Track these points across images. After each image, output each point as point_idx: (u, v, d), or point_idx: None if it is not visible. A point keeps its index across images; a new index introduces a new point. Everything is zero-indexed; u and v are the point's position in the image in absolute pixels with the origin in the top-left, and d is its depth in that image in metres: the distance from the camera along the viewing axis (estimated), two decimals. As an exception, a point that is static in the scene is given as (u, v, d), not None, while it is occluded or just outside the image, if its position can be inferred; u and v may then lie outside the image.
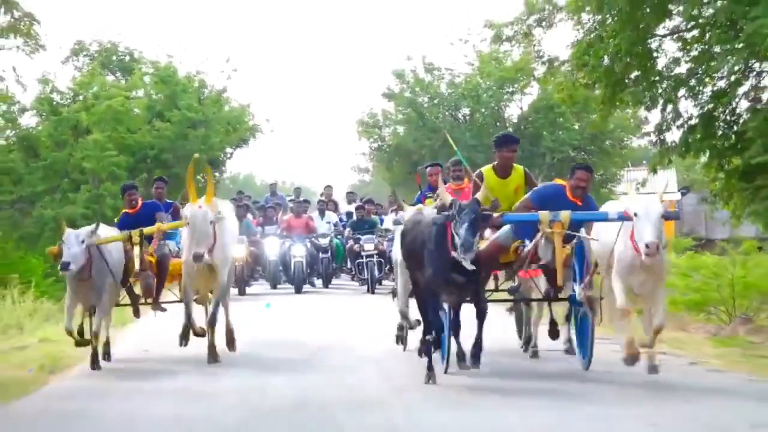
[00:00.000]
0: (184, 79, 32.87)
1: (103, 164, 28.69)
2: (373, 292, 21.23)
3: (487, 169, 11.46)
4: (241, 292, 20.39)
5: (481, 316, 10.25)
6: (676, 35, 15.83)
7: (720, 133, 15.57)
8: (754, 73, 15.26)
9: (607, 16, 15.60)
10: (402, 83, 38.26)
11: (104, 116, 29.53)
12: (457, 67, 37.70)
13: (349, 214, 24.17)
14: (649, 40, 15.74)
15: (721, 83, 15.44)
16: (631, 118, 30.98)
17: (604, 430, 8.13)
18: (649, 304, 10.06)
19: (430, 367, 10.17)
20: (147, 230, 12.70)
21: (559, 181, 11.60)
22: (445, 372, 10.54)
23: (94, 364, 11.95)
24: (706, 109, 15.50)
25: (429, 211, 10.53)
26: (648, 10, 15.35)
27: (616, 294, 10.02)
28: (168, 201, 14.15)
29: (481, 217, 9.74)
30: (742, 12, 13.94)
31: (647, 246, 9.27)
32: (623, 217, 9.94)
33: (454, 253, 9.61)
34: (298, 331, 14.89)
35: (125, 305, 13.36)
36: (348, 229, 22.84)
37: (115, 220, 13.98)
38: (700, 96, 15.66)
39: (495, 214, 10.33)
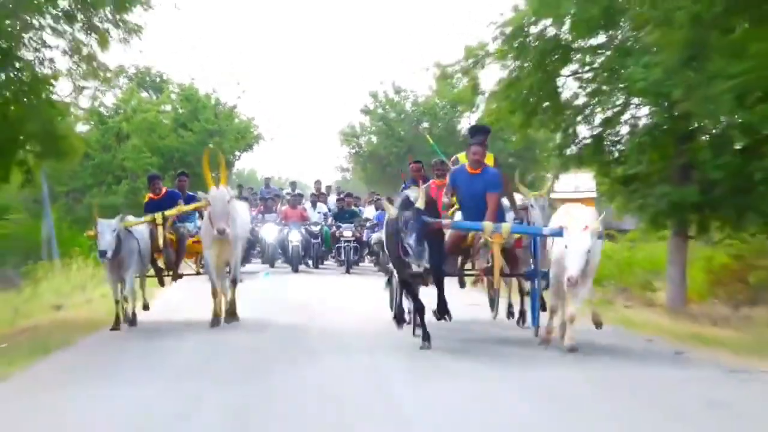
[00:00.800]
0: (203, 98, 33.25)
1: (139, 164, 29.32)
2: (348, 272, 20.77)
3: (462, 155, 11.05)
4: None
5: (439, 285, 9.77)
6: (576, 76, 15.98)
7: (607, 150, 15.69)
8: (633, 106, 15.43)
9: (524, 61, 15.73)
10: (376, 101, 38.77)
11: (140, 126, 30.10)
12: (420, 89, 38.51)
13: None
14: (555, 80, 15.84)
15: (609, 113, 15.53)
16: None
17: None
18: (573, 296, 9.64)
19: (425, 338, 9.70)
20: (168, 213, 12.33)
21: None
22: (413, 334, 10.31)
23: (116, 325, 11.64)
24: (597, 132, 15.61)
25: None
26: (555, 57, 15.54)
27: (551, 294, 9.95)
28: (190, 193, 13.53)
29: (426, 224, 9.06)
30: (621, 62, 14.33)
31: (568, 279, 9.01)
32: (555, 233, 9.58)
33: (404, 257, 9.03)
34: (293, 298, 15.03)
35: (151, 276, 13.13)
36: (330, 218, 22.07)
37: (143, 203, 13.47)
38: (592, 122, 15.74)
39: (445, 221, 9.82)
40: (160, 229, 12.20)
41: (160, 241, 12.22)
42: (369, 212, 21.82)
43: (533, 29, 15.43)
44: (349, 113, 69.43)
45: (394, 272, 10.31)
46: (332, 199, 23.75)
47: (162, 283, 13.26)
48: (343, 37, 70.60)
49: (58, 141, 12.56)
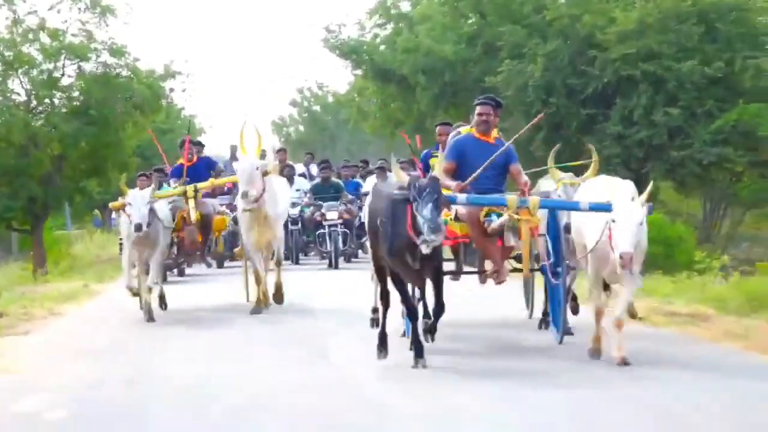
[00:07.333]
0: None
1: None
2: (336, 267, 15.34)
3: (466, 129, 8.91)
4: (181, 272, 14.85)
5: (438, 290, 7.58)
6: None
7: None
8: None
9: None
10: (301, 95, 42.65)
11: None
12: (339, 86, 42.41)
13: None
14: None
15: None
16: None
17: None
18: (622, 285, 7.69)
19: (418, 352, 7.48)
20: (201, 185, 10.99)
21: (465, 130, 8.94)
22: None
23: (149, 316, 10.28)
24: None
25: (394, 180, 7.64)
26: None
27: (592, 292, 7.87)
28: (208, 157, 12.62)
29: (441, 197, 7.11)
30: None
31: (621, 257, 6.99)
32: (595, 207, 7.56)
33: (413, 235, 7.00)
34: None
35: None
36: (309, 194, 16.25)
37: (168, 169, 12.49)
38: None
39: (460, 196, 7.92)
40: (191, 202, 10.86)
41: (192, 216, 10.84)
42: (369, 185, 15.19)
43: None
44: (278, 105, 73.96)
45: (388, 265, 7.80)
46: (313, 170, 18.02)
47: (181, 272, 13.45)
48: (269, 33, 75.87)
49: (128, 165, 19.65)
